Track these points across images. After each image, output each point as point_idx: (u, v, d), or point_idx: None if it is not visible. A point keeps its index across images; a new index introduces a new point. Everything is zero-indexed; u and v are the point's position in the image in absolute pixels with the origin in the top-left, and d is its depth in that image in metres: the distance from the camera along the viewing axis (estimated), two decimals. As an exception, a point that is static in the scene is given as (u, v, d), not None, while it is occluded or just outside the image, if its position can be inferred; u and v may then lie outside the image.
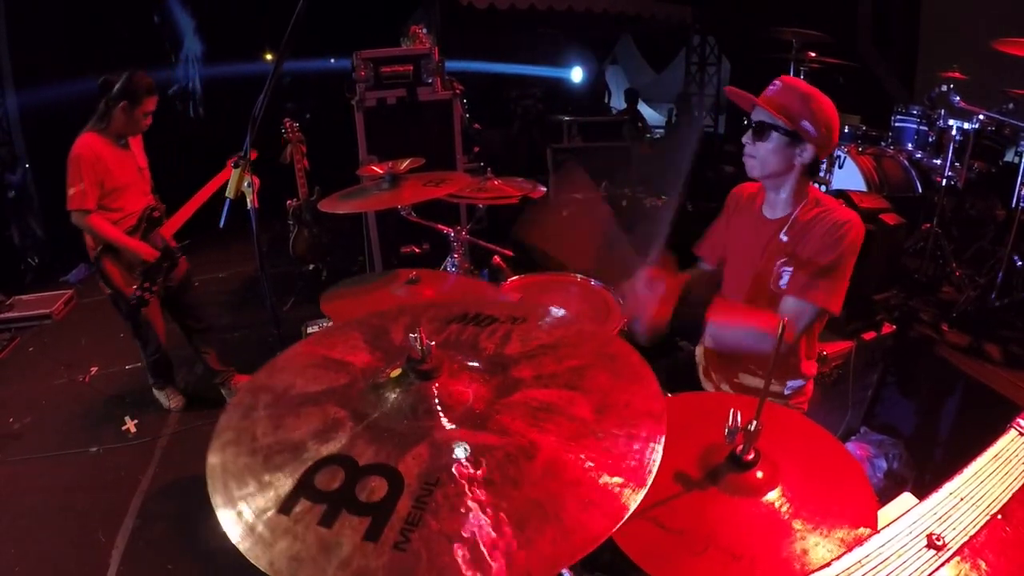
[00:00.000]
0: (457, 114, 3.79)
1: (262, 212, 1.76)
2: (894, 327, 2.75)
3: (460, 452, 0.80)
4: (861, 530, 0.89)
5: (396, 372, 0.93)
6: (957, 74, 3.43)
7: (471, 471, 0.77)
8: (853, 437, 2.62)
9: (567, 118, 6.55)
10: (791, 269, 1.57)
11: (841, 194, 2.74)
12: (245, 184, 1.69)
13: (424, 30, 3.93)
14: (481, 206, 2.57)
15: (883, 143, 4.00)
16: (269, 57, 7.02)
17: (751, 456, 0.97)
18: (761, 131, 1.56)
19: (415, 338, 0.89)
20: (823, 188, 3.75)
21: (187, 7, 7.09)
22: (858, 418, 2.72)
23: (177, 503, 2.55)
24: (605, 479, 0.76)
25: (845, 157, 3.82)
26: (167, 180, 2.95)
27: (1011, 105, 3.22)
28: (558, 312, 1.13)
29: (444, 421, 0.86)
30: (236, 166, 1.69)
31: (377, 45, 3.68)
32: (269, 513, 0.74)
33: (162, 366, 3.14)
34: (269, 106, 1.57)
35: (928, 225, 3.40)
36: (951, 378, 2.67)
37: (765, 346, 1.51)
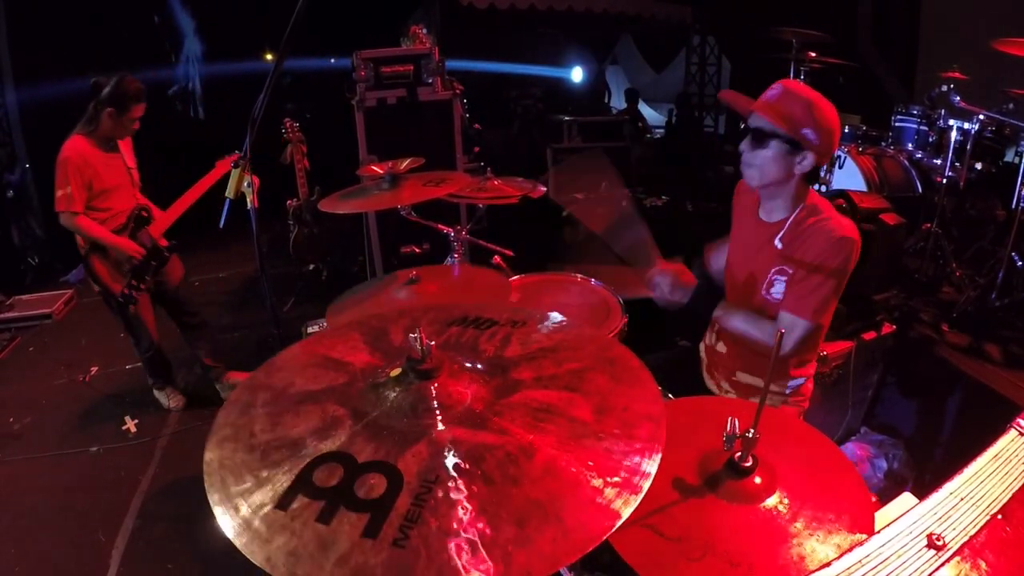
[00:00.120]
0: (457, 114, 3.79)
1: (262, 212, 1.76)
2: (894, 327, 2.75)
3: (450, 461, 0.79)
4: (858, 536, 0.89)
5: (396, 371, 0.93)
6: (957, 74, 3.43)
7: (471, 470, 0.77)
8: (853, 437, 2.62)
9: (567, 118, 6.54)
10: (784, 278, 1.56)
11: (841, 194, 2.74)
12: (245, 184, 1.69)
13: (424, 30, 3.93)
14: (481, 206, 2.57)
15: (883, 143, 4.00)
16: (269, 57, 7.02)
17: (749, 463, 0.97)
18: (760, 138, 1.51)
19: (415, 338, 0.89)
20: (823, 188, 3.75)
21: (187, 7, 7.09)
22: (858, 418, 2.72)
23: (177, 503, 2.55)
24: (605, 479, 0.76)
25: (845, 157, 3.82)
26: (167, 180, 2.96)
27: (1011, 105, 3.22)
28: (557, 318, 1.13)
29: (445, 420, 0.86)
30: (236, 165, 1.69)
31: (377, 45, 3.67)
32: (266, 509, 0.74)
33: (158, 364, 3.15)
34: (269, 106, 1.57)
35: (928, 225, 3.40)
36: (951, 378, 2.67)
37: (765, 339, 1.54)
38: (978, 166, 3.34)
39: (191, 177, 2.93)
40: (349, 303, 1.87)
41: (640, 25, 8.09)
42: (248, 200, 1.73)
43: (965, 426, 2.55)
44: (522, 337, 1.06)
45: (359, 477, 0.77)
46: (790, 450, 1.06)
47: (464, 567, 0.66)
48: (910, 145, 3.79)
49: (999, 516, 0.66)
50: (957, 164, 3.30)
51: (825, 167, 3.71)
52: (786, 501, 0.95)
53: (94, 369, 3.62)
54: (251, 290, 4.77)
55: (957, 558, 0.62)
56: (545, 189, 2.41)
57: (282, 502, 0.74)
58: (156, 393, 3.22)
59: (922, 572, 0.61)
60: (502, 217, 3.70)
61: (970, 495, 0.69)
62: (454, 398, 0.89)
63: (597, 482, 0.76)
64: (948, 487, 0.70)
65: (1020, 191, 3.01)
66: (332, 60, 6.95)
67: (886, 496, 1.20)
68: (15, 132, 5.37)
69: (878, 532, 0.66)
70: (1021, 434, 0.77)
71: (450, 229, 2.20)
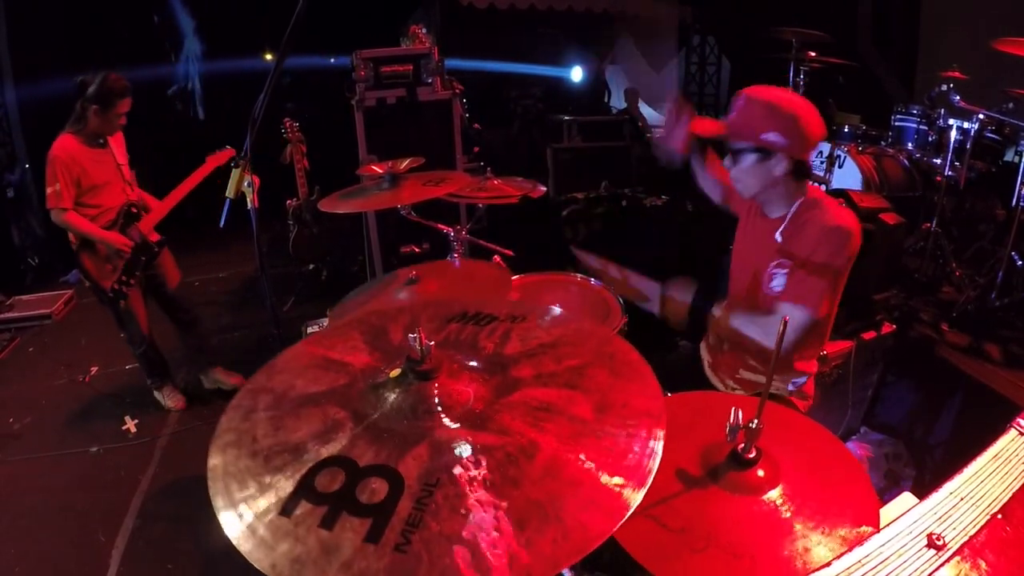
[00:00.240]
0: (457, 114, 3.79)
1: (262, 212, 1.76)
2: (894, 327, 2.75)
3: (463, 451, 0.80)
4: (863, 528, 0.89)
5: (396, 372, 0.93)
6: (957, 74, 3.43)
7: (471, 472, 0.77)
8: (853, 437, 2.62)
9: (567, 118, 6.54)
10: (784, 271, 1.56)
11: (841, 194, 2.74)
12: (245, 184, 1.69)
13: (424, 30, 3.93)
14: (481, 206, 2.57)
15: (883, 143, 4.00)
16: (269, 57, 7.01)
17: (752, 454, 0.97)
18: (735, 154, 1.55)
19: (414, 338, 0.89)
20: (822, 188, 3.75)
21: (187, 7, 7.09)
22: (858, 418, 2.72)
23: (177, 503, 2.55)
24: (605, 479, 0.76)
25: (845, 157, 3.82)
26: (167, 179, 2.96)
27: (1011, 105, 3.22)
28: (556, 311, 1.13)
29: (445, 420, 0.86)
30: (236, 165, 1.69)
31: (377, 45, 3.67)
32: (271, 515, 0.74)
33: (153, 362, 3.17)
34: (269, 106, 1.57)
35: (928, 225, 3.40)
36: (951, 378, 2.67)
37: (768, 339, 1.51)
38: (977, 166, 3.34)
39: (190, 177, 2.94)
40: (350, 306, 1.87)
41: (640, 25, 8.08)
42: (248, 200, 1.73)
43: (965, 426, 2.55)
44: (522, 333, 1.06)
45: (361, 482, 0.77)
46: (793, 444, 1.06)
47: (465, 571, 0.66)
48: (910, 145, 3.79)
49: (999, 516, 0.66)
50: (957, 164, 3.30)
51: (825, 167, 3.74)
52: (789, 494, 0.96)
53: (94, 369, 3.62)
54: (251, 290, 4.77)
55: (957, 558, 0.62)
56: (545, 189, 2.41)
57: (286, 508, 0.75)
58: (155, 393, 3.23)
59: (922, 572, 0.61)
60: (502, 217, 3.70)
61: (970, 495, 0.69)
62: (454, 398, 0.89)
63: (598, 481, 0.76)
64: (948, 487, 0.70)
65: (1020, 191, 3.01)
66: (332, 60, 6.94)
67: (886, 496, 1.20)
68: (15, 132, 5.37)
69: (879, 531, 0.66)
70: (1021, 434, 0.77)
71: (450, 229, 2.20)
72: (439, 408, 0.87)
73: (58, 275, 5.04)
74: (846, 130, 4.19)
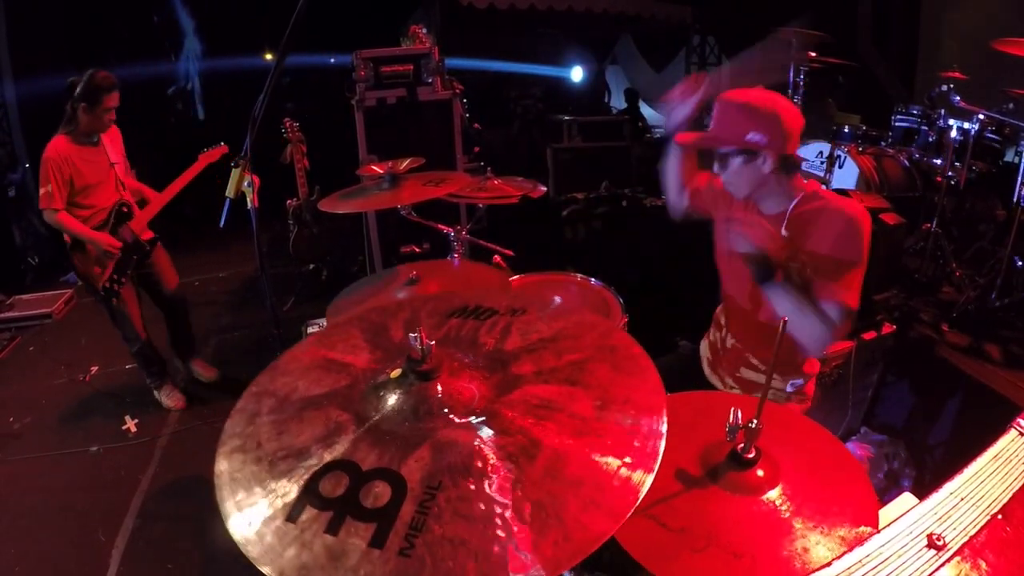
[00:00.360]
0: (457, 114, 3.79)
1: (262, 212, 1.76)
2: (894, 327, 2.75)
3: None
4: (863, 528, 0.89)
5: (396, 373, 0.93)
6: (957, 74, 3.43)
7: (472, 474, 0.77)
8: (853, 437, 2.62)
9: (567, 118, 6.54)
10: (795, 266, 1.56)
11: (841, 194, 2.74)
12: (245, 184, 1.69)
13: (424, 30, 3.93)
14: (481, 206, 2.57)
15: (883, 143, 4.00)
16: (269, 56, 7.01)
17: (752, 454, 0.98)
18: (721, 159, 1.56)
19: (415, 337, 0.89)
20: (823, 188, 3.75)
21: (187, 7, 7.09)
22: (858, 418, 2.72)
23: (177, 503, 2.55)
24: (606, 479, 0.76)
25: (845, 157, 3.82)
26: (166, 179, 2.97)
27: (1011, 105, 3.22)
28: (557, 301, 1.12)
29: (451, 417, 0.86)
30: (236, 165, 1.69)
31: (377, 45, 3.67)
32: (277, 521, 0.74)
33: (150, 360, 3.18)
34: (269, 106, 1.57)
35: (928, 225, 3.40)
36: (951, 378, 2.67)
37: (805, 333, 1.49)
38: (977, 166, 3.34)
39: (190, 176, 2.95)
40: (348, 303, 1.87)
41: (640, 25, 8.07)
42: (248, 200, 1.74)
43: (965, 426, 2.55)
44: (522, 327, 1.05)
45: (364, 486, 0.77)
46: (793, 444, 1.06)
47: (468, 574, 0.66)
48: (910, 145, 3.79)
49: (999, 516, 0.66)
50: (957, 164, 3.30)
51: (825, 167, 3.73)
52: (789, 494, 0.96)
53: (94, 369, 3.62)
54: (251, 290, 4.77)
55: (957, 558, 0.62)
56: (545, 189, 2.40)
57: (291, 514, 0.75)
58: (155, 393, 3.23)
59: (922, 572, 0.61)
60: (502, 217, 3.70)
61: (970, 495, 0.69)
62: (455, 399, 0.89)
63: (599, 481, 0.76)
64: (948, 487, 0.70)
65: (1020, 191, 3.01)
66: (332, 59, 6.94)
67: (886, 496, 1.20)
68: (15, 132, 5.37)
69: (879, 531, 0.66)
70: (1021, 434, 0.77)
71: (450, 229, 2.20)
72: (439, 410, 0.87)
73: (58, 275, 5.04)
74: (846, 130, 4.19)
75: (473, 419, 0.86)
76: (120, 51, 5.71)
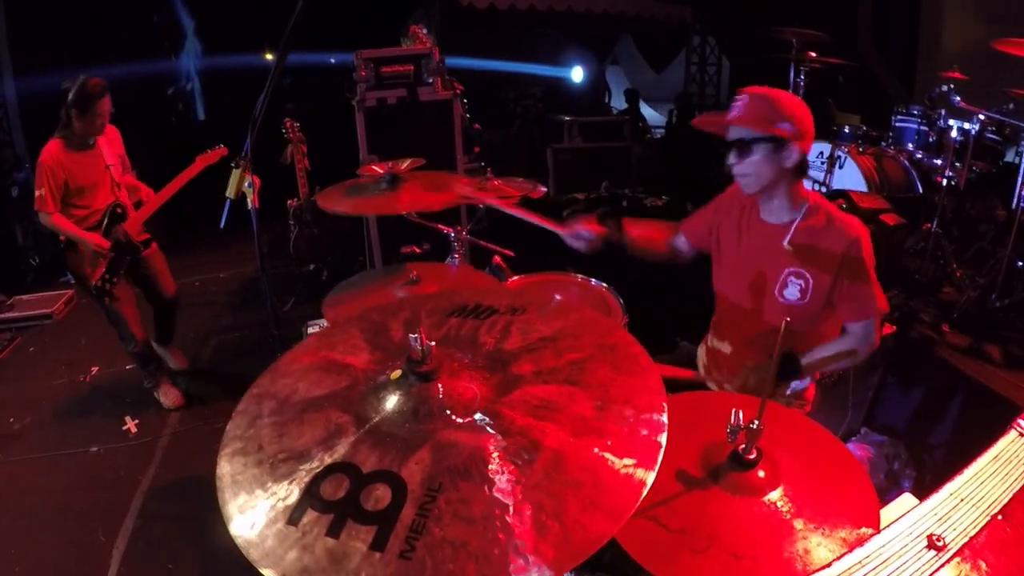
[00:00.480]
0: (457, 114, 3.78)
1: (262, 212, 1.76)
2: (894, 328, 2.75)
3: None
4: (863, 529, 0.89)
5: (396, 374, 0.93)
6: (957, 74, 3.43)
7: (472, 475, 0.77)
8: (853, 438, 2.62)
9: (567, 118, 6.53)
10: (801, 283, 1.57)
11: (841, 194, 2.74)
12: (246, 184, 1.69)
13: (424, 30, 3.93)
14: (481, 206, 2.56)
15: (883, 143, 4.00)
16: (269, 56, 7.01)
17: (753, 455, 0.97)
18: (743, 148, 1.54)
19: (415, 338, 0.89)
20: (823, 189, 3.75)
21: (187, 7, 7.09)
22: (858, 419, 2.72)
23: (177, 503, 2.55)
24: (606, 480, 0.76)
25: (845, 157, 3.81)
26: (166, 179, 2.97)
27: (1011, 105, 3.22)
28: (557, 299, 1.12)
29: (452, 418, 0.86)
30: (236, 166, 1.69)
31: (377, 45, 3.67)
32: (279, 524, 0.75)
33: (147, 359, 3.20)
34: (269, 106, 1.57)
35: (928, 225, 3.40)
36: (951, 379, 2.66)
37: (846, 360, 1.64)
38: (978, 166, 3.33)
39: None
40: (345, 298, 1.88)
41: (640, 25, 8.08)
42: (248, 200, 1.74)
43: (965, 426, 2.55)
44: (522, 326, 1.05)
45: (365, 488, 0.77)
46: (794, 446, 1.06)
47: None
48: (910, 145, 3.79)
49: (999, 517, 0.66)
50: (957, 164, 3.29)
51: (826, 168, 3.73)
52: (790, 495, 0.96)
53: (94, 369, 3.62)
54: (251, 290, 4.77)
55: (957, 559, 0.62)
56: (545, 189, 2.40)
57: (292, 517, 0.75)
58: (154, 393, 3.23)
59: (922, 573, 0.61)
60: (502, 217, 3.69)
61: (970, 496, 0.69)
62: (455, 400, 0.89)
63: (599, 481, 0.76)
64: (948, 488, 0.70)
65: (1020, 191, 3.01)
66: (332, 59, 6.95)
67: (886, 497, 1.20)
68: (15, 131, 5.38)
69: (880, 532, 0.66)
70: (1021, 435, 0.77)
71: (450, 229, 2.20)
72: (439, 411, 0.87)
73: (59, 275, 5.02)
74: (846, 130, 4.18)
75: (473, 420, 0.86)
76: (120, 51, 5.70)
